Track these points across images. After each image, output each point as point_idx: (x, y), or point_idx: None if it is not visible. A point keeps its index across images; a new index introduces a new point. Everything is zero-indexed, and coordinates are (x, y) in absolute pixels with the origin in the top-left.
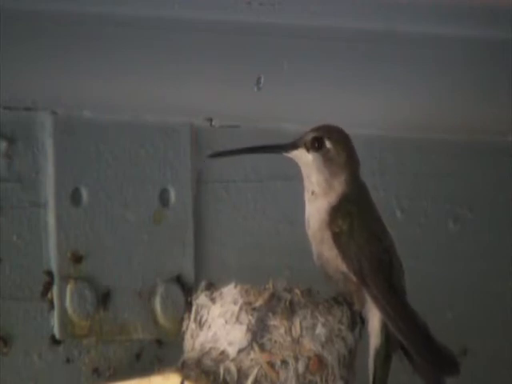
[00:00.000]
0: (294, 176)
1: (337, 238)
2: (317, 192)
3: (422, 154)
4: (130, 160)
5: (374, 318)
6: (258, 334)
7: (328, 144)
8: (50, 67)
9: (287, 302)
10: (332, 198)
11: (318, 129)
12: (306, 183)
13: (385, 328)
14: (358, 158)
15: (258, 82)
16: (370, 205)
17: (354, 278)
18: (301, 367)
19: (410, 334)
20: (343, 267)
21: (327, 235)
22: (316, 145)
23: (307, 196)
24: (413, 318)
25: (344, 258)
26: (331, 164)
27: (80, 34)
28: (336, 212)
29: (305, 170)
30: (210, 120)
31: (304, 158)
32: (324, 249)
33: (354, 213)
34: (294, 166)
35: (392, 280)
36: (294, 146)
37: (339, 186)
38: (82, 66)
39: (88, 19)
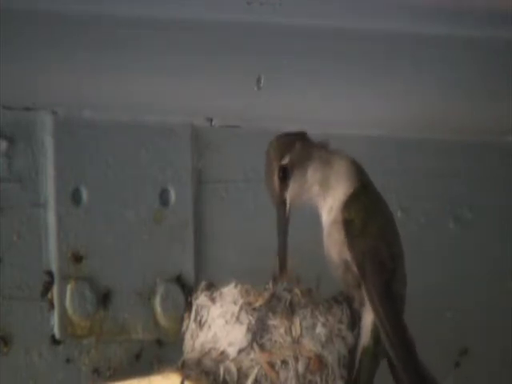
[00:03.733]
0: None
1: (347, 225)
2: (324, 185)
3: (422, 154)
4: (130, 160)
5: (368, 317)
6: (258, 334)
7: (285, 161)
8: (50, 67)
9: (287, 302)
10: (342, 178)
11: (269, 168)
12: (314, 194)
13: (376, 329)
14: (303, 133)
15: (258, 81)
16: (385, 204)
17: (355, 269)
18: (301, 367)
19: (397, 345)
20: (347, 255)
21: (340, 218)
22: (282, 175)
23: (322, 198)
24: (402, 329)
25: (350, 247)
26: (304, 163)
27: (80, 33)
28: (352, 200)
29: (303, 195)
30: (210, 120)
31: (294, 193)
32: (334, 229)
33: (370, 210)
34: None
35: (392, 288)
36: (282, 204)
37: (333, 160)
38: (82, 66)
39: (88, 19)
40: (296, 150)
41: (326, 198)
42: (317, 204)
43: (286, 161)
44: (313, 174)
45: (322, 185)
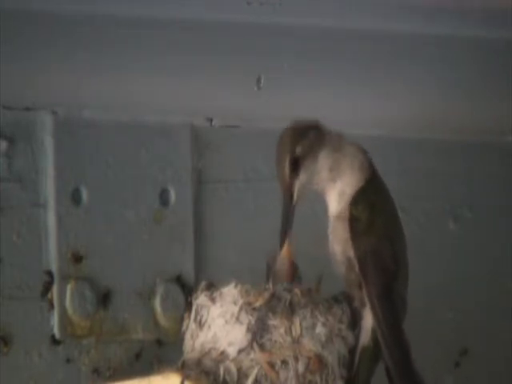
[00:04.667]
0: None
1: (353, 221)
2: (334, 172)
3: (422, 154)
4: (130, 160)
5: (368, 317)
6: (258, 334)
7: (299, 151)
8: (50, 67)
9: (287, 302)
10: (353, 163)
11: (281, 154)
12: (321, 182)
13: (376, 329)
14: (317, 121)
15: (258, 81)
16: (391, 198)
17: (357, 268)
18: (301, 367)
19: (392, 348)
20: (350, 252)
21: (346, 214)
22: (294, 166)
23: (331, 183)
24: (399, 331)
25: (354, 245)
26: (316, 153)
27: (80, 34)
28: (360, 196)
29: (315, 181)
30: (210, 120)
31: (304, 182)
32: (339, 225)
33: (377, 207)
34: None
35: (393, 289)
36: (289, 192)
37: (344, 146)
38: (82, 66)
39: (88, 19)
40: (309, 140)
41: (336, 182)
42: (325, 190)
43: (298, 152)
44: (324, 160)
45: (333, 169)
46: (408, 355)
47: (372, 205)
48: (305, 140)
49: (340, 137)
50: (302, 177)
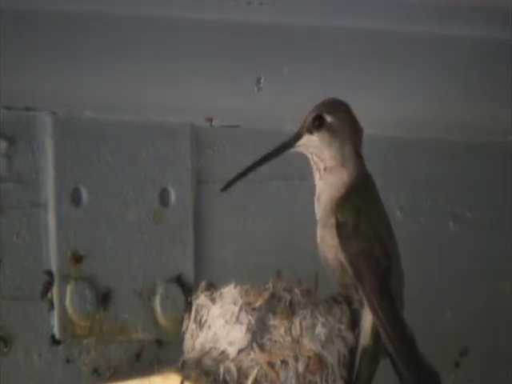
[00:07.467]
0: (294, 176)
1: (340, 227)
2: (330, 166)
3: (422, 154)
4: (130, 160)
5: (367, 317)
6: (258, 334)
7: (329, 118)
8: (50, 67)
9: (287, 302)
10: (344, 174)
11: (315, 108)
12: (317, 162)
13: (375, 329)
14: (360, 125)
15: (258, 82)
16: (379, 203)
17: (351, 271)
18: (301, 367)
19: (397, 342)
20: (342, 257)
21: (332, 221)
22: (317, 123)
23: (318, 175)
24: (402, 327)
25: (344, 249)
26: (337, 135)
27: (80, 33)
28: (344, 202)
29: (315, 152)
30: (210, 120)
31: (310, 141)
32: (326, 233)
33: (362, 210)
34: (294, 166)
35: (389, 285)
36: (297, 136)
37: (350, 159)
38: (82, 66)
39: (88, 19)
40: (340, 115)
41: (324, 181)
42: (316, 182)
43: (322, 114)
44: (338, 149)
45: (327, 170)
46: (413, 346)
47: (357, 209)
48: (338, 112)
49: (358, 155)
50: (318, 136)
